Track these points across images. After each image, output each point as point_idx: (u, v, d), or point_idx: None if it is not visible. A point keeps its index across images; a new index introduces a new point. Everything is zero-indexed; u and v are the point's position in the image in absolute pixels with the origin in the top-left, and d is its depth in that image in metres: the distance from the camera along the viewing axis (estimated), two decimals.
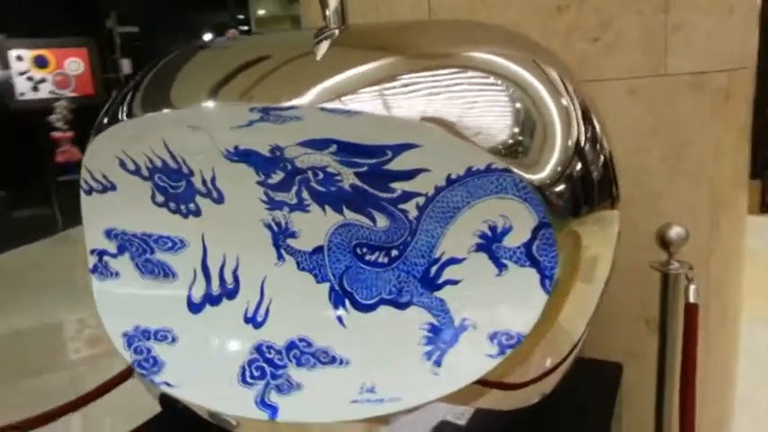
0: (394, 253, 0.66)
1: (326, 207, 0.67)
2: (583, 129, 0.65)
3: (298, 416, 0.62)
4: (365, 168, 0.63)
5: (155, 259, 0.78)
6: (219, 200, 0.72)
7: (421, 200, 0.64)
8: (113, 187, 0.76)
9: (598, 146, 0.69)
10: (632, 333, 1.19)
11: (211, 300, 0.75)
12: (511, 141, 0.61)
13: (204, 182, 0.72)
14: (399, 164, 0.62)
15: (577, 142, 0.65)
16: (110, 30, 7.30)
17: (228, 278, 0.74)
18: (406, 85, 0.61)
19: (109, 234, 0.80)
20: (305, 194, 0.67)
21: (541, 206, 0.58)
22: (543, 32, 1.10)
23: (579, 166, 0.67)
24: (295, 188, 0.67)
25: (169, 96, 0.65)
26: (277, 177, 0.67)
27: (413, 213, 0.65)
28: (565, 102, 0.65)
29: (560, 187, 0.63)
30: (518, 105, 0.63)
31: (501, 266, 0.62)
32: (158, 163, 0.72)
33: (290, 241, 0.71)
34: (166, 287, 0.77)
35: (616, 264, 0.72)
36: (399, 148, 0.61)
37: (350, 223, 0.67)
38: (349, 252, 0.68)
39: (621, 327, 1.18)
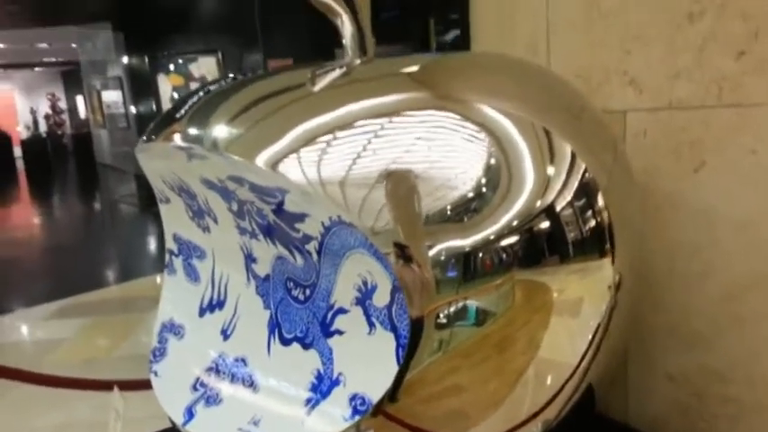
0: (308, 292, 0.65)
1: (267, 238, 0.70)
2: (569, 197, 0.64)
3: (197, 430, 0.67)
4: (273, 206, 0.63)
5: (192, 264, 0.90)
6: (215, 220, 0.80)
7: (316, 243, 0.61)
8: (168, 200, 0.91)
9: (590, 213, 0.66)
10: None
11: (211, 307, 0.83)
12: (471, 194, 0.60)
13: (204, 203, 0.80)
14: (290, 206, 0.61)
15: (551, 205, 0.62)
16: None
17: (222, 290, 0.82)
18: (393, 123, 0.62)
19: (174, 237, 0.95)
20: (253, 224, 0.70)
21: (390, 268, 0.51)
22: (671, 46, 0.89)
23: (546, 224, 0.61)
24: (247, 217, 0.71)
25: (157, 126, 0.75)
26: (235, 206, 0.72)
27: (315, 256, 0.62)
28: (551, 171, 0.63)
29: (508, 241, 0.61)
30: (492, 162, 0.62)
31: (371, 325, 0.56)
32: (177, 183, 0.83)
33: (253, 266, 0.74)
34: (193, 291, 0.89)
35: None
36: (282, 192, 0.60)
37: (282, 256, 0.68)
38: (283, 284, 0.69)
39: None
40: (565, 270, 0.64)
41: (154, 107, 10.42)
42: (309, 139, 0.57)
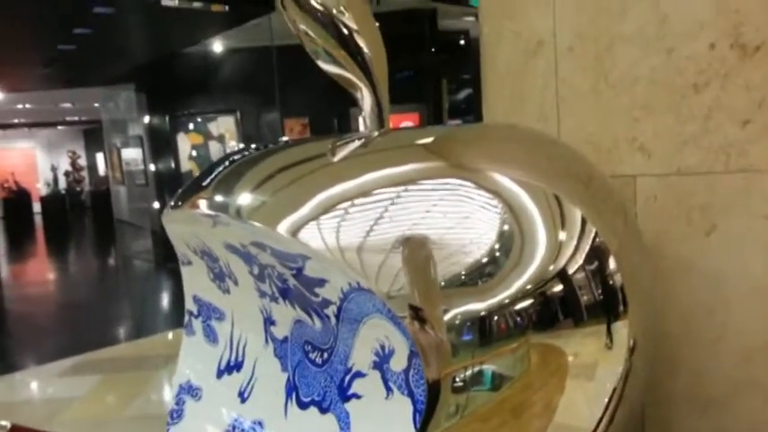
0: (325, 356, 0.66)
1: (287, 301, 0.71)
2: (581, 260, 0.65)
3: None
4: (294, 271, 0.66)
5: (211, 325, 0.92)
6: (236, 283, 0.82)
7: (335, 308, 0.63)
8: (190, 262, 0.94)
9: (602, 276, 0.67)
10: None
11: (229, 369, 0.84)
12: (484, 260, 0.62)
13: (225, 266, 0.83)
14: (310, 271, 0.63)
15: (563, 270, 0.64)
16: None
17: (240, 352, 0.83)
18: (410, 191, 0.65)
19: (194, 299, 0.97)
20: (273, 288, 0.73)
21: (408, 334, 0.53)
22: (677, 115, 0.92)
23: (559, 287, 0.62)
24: (267, 281, 0.73)
25: (184, 194, 0.79)
26: (256, 270, 0.74)
27: (333, 320, 0.64)
28: (563, 236, 0.65)
29: (523, 305, 0.62)
30: (505, 228, 0.64)
31: (389, 390, 0.57)
32: (201, 247, 0.86)
33: (272, 328, 0.76)
34: (211, 352, 0.90)
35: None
36: (303, 258, 0.62)
37: (301, 319, 0.70)
38: (301, 347, 0.70)
39: None
40: (579, 333, 0.65)
41: (173, 164, 10.65)
42: (329, 207, 0.59)
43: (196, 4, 7.22)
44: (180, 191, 0.85)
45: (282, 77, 8.70)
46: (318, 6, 0.81)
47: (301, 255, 0.62)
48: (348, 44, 0.82)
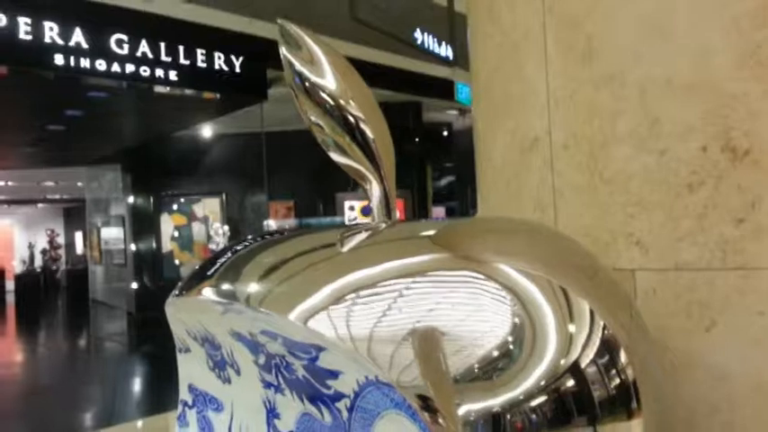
0: None
1: (294, 393, 0.70)
2: (592, 354, 0.64)
3: None
4: (305, 362, 0.65)
5: (207, 417, 0.89)
6: (238, 372, 0.81)
7: (348, 401, 0.62)
8: (189, 350, 0.92)
9: (614, 371, 0.66)
10: None
11: None
12: (496, 353, 0.61)
13: (228, 354, 0.81)
14: (324, 362, 0.62)
15: (575, 363, 0.63)
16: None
17: None
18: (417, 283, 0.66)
19: (189, 388, 0.94)
20: (280, 378, 0.71)
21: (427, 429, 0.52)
22: (670, 213, 0.95)
23: (572, 383, 0.62)
24: (273, 371, 0.72)
25: (189, 281, 0.79)
26: (261, 359, 0.73)
27: (345, 414, 0.63)
28: (572, 328, 0.65)
29: (537, 401, 0.61)
30: (516, 320, 0.64)
31: None
32: (203, 334, 0.85)
33: (276, 421, 0.74)
34: None
35: None
36: (317, 348, 0.62)
37: (309, 413, 0.68)
38: None
39: None
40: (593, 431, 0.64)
41: (154, 245, 10.58)
42: (345, 297, 0.60)
43: (188, 92, 7.43)
44: (185, 279, 0.84)
45: (268, 163, 8.87)
46: (327, 98, 0.84)
47: (315, 345, 0.62)
48: (354, 132, 0.84)
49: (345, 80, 0.85)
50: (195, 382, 0.92)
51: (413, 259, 0.70)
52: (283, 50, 0.86)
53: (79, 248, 20.19)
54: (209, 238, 9.88)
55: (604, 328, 0.68)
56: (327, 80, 0.85)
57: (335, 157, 0.86)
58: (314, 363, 0.64)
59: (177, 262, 10.29)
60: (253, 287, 0.68)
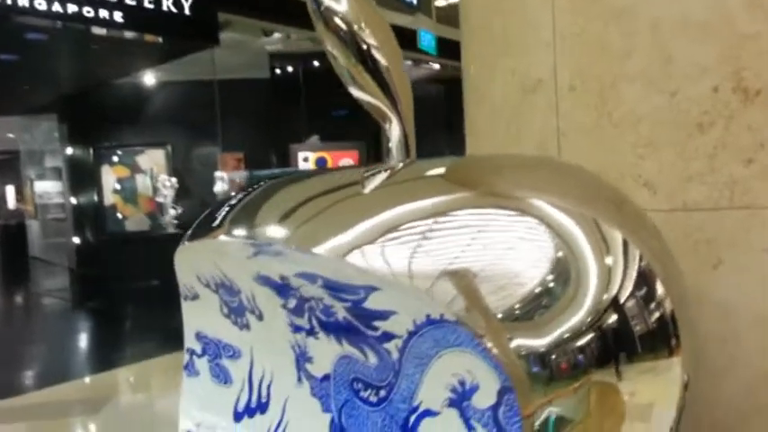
0: (382, 393, 0.63)
1: (331, 336, 0.68)
2: (630, 287, 0.63)
3: None
4: (349, 304, 0.63)
5: (221, 364, 0.86)
6: (260, 317, 0.78)
7: (399, 342, 0.60)
8: (197, 296, 0.88)
9: (653, 304, 0.65)
10: None
11: (249, 411, 0.79)
12: (537, 291, 0.60)
13: (249, 299, 0.78)
14: (373, 303, 0.60)
15: (615, 298, 0.62)
16: None
17: (264, 393, 0.78)
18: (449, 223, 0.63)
19: (197, 336, 0.91)
20: (314, 321, 0.69)
21: (501, 368, 0.51)
22: (682, 153, 0.96)
23: (614, 318, 0.62)
24: (306, 314, 0.70)
25: (209, 225, 0.74)
26: (292, 303, 0.70)
27: (395, 355, 0.61)
28: (610, 261, 0.64)
29: (584, 340, 0.60)
30: (558, 255, 0.62)
31: (471, 428, 0.54)
32: (219, 279, 0.81)
33: (307, 365, 0.72)
34: (224, 392, 0.84)
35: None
36: (368, 289, 0.59)
37: (348, 355, 0.66)
38: (348, 385, 0.67)
39: None
40: (635, 370, 0.63)
41: (95, 198, 10.17)
42: (404, 236, 0.57)
43: (128, 35, 7.03)
44: (196, 223, 0.80)
45: (221, 111, 8.59)
46: (342, 24, 0.79)
47: (366, 286, 0.59)
48: (366, 60, 0.80)
49: (358, 4, 0.80)
50: (205, 330, 0.88)
51: (435, 199, 0.67)
52: None
53: (11, 203, 19.23)
54: (155, 190, 9.56)
55: (640, 259, 0.66)
56: (341, 3, 0.80)
57: (355, 92, 0.81)
58: (360, 305, 0.61)
59: (120, 216, 9.95)
60: (300, 229, 0.65)
